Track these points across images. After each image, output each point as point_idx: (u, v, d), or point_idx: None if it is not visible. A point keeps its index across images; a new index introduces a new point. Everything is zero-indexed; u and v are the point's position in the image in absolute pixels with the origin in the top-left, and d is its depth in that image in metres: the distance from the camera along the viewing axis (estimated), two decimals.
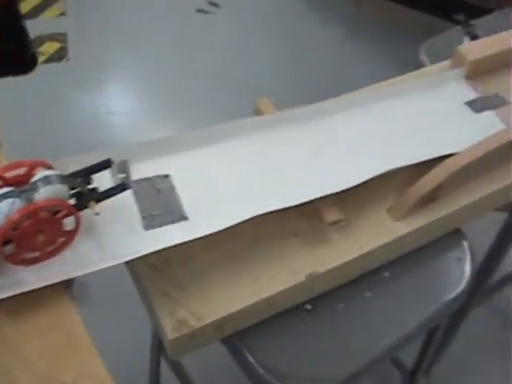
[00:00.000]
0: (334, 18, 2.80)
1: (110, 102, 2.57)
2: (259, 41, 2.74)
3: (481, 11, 2.61)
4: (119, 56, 2.75)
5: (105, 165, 0.81)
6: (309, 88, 2.46)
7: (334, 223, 0.86)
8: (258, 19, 2.84)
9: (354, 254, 0.85)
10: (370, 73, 2.31)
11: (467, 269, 0.97)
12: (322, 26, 2.78)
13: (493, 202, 0.99)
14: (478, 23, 1.40)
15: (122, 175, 0.84)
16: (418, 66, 1.27)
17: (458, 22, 1.43)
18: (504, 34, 1.21)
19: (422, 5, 2.71)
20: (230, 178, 0.89)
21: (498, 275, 1.69)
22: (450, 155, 0.93)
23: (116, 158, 0.85)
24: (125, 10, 2.92)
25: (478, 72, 1.13)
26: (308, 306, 0.87)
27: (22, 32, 1.29)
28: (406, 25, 2.75)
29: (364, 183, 0.89)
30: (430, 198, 0.91)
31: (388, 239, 0.87)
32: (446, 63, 1.15)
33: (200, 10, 2.87)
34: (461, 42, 1.29)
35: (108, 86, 2.66)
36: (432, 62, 1.20)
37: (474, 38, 1.33)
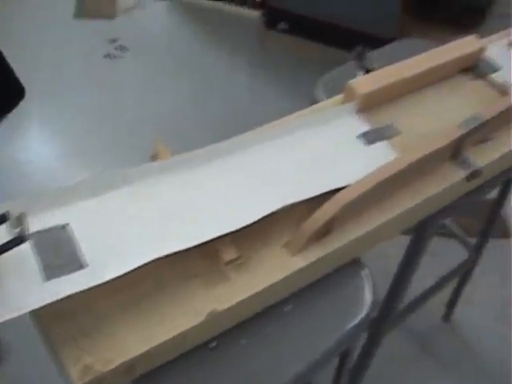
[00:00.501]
0: (239, 53, 2.88)
1: (28, 150, 2.58)
2: (168, 81, 2.78)
3: (383, 41, 2.74)
4: (37, 103, 2.75)
5: (1, 219, 0.83)
6: (214, 125, 2.52)
7: (230, 262, 0.90)
8: (167, 59, 2.88)
9: (252, 291, 0.89)
10: (276, 107, 2.38)
11: (367, 296, 1.02)
12: (227, 62, 2.84)
13: (387, 230, 1.05)
14: (374, 55, 1.47)
15: (19, 228, 0.86)
16: (314, 101, 1.33)
17: (359, 54, 1.50)
18: (396, 65, 1.28)
19: (324, 38, 2.82)
20: (130, 222, 0.92)
21: (408, 298, 1.77)
22: (344, 188, 0.98)
23: (15, 210, 0.87)
24: (41, 59, 2.94)
25: (370, 104, 1.20)
26: (212, 344, 0.91)
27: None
28: (310, 58, 2.84)
29: (260, 219, 0.93)
30: (325, 231, 0.96)
31: (285, 274, 0.91)
32: (339, 97, 1.22)
33: (107, 56, 2.90)
34: (355, 75, 1.36)
35: (27, 134, 2.66)
36: (328, 97, 1.26)
37: (368, 70, 1.40)
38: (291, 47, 2.88)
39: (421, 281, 1.84)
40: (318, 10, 2.78)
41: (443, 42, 1.61)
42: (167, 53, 2.90)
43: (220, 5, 3.00)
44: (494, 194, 1.75)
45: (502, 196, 1.78)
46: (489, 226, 1.88)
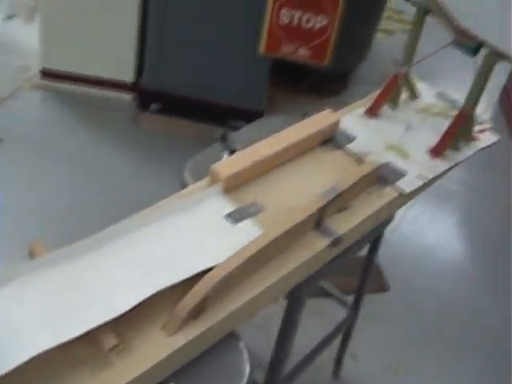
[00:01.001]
0: (115, 138, 2.94)
1: None
2: (46, 172, 2.79)
3: (253, 114, 2.90)
4: None
5: None
6: (95, 213, 2.55)
7: (111, 349, 0.95)
8: (43, 149, 2.90)
9: (135, 374, 0.94)
10: (154, 190, 2.44)
11: (246, 367, 1.09)
12: (104, 147, 2.89)
13: (259, 302, 1.13)
14: (237, 135, 1.59)
15: None
16: (184, 184, 1.42)
17: (223, 135, 1.61)
18: (257, 145, 1.39)
19: (197, 115, 2.94)
20: (16, 314, 0.96)
21: (296, 359, 1.85)
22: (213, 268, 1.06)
23: None
24: None
25: (234, 185, 1.29)
26: None
27: None
28: (185, 136, 2.94)
29: (139, 303, 1.00)
30: (200, 310, 1.04)
31: (165, 354, 0.97)
32: (206, 180, 1.31)
33: None
34: (220, 157, 1.46)
35: None
36: (196, 180, 1.35)
37: (232, 151, 1.50)
38: (166, 127, 2.98)
39: (308, 341, 1.94)
40: (189, 89, 2.90)
41: (307, 112, 1.75)
42: (43, 143, 2.93)
43: (93, 91, 3.08)
44: (365, 251, 1.89)
45: (372, 253, 1.91)
46: (363, 283, 2.00)
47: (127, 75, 3.05)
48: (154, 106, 2.95)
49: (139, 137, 2.95)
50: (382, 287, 2.53)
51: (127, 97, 3.08)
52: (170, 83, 2.91)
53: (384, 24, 3.79)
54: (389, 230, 2.23)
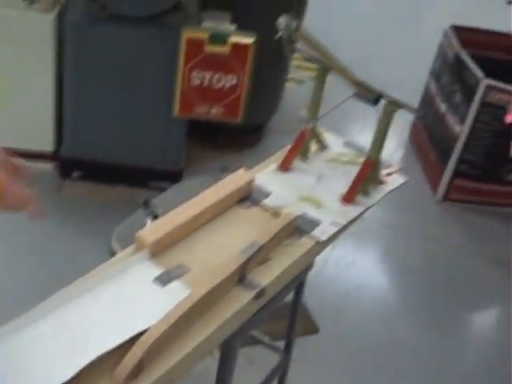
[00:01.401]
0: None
1: None
2: None
3: (173, 173, 3.00)
4: None
5: None
6: (32, 289, 2.55)
7: None
8: None
9: None
10: (82, 259, 2.49)
11: None
12: (32, 225, 2.91)
13: (194, 357, 1.21)
14: (158, 201, 1.68)
15: None
16: (112, 252, 1.50)
17: (145, 202, 1.70)
18: (179, 208, 1.48)
19: (119, 179, 3.01)
20: None
21: None
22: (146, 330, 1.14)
23: None
24: None
25: (160, 249, 1.38)
26: None
27: None
28: (108, 201, 2.99)
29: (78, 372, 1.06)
30: (139, 370, 1.11)
31: None
32: (132, 247, 1.39)
33: None
34: (144, 223, 1.55)
35: None
36: (123, 247, 1.42)
37: (155, 216, 1.59)
38: (89, 194, 3.03)
39: None
40: (109, 154, 2.96)
41: (225, 167, 1.85)
42: None
43: None
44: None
45: (297, 298, 2.01)
46: (292, 327, 2.09)
47: (47, 145, 3.10)
48: (75, 174, 3.01)
49: (63, 206, 2.98)
50: (312, 329, 2.63)
51: (48, 166, 3.12)
52: (90, 150, 2.97)
53: (293, 73, 3.96)
54: (314, 274, 2.34)
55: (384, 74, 4.32)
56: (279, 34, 1.61)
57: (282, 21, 1.60)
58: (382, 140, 1.79)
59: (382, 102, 1.75)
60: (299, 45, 1.74)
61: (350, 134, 3.14)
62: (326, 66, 1.78)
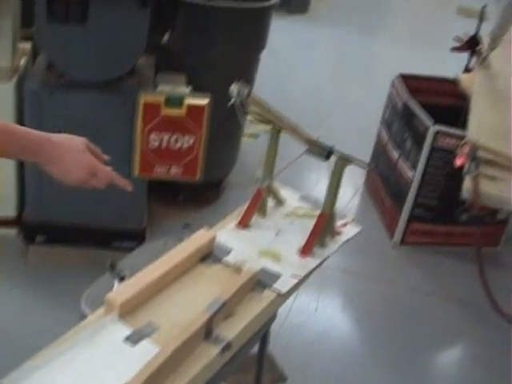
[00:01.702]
0: (2, 275, 3.01)
1: None
2: None
3: (136, 233, 3.07)
4: None
5: None
6: None
7: None
8: None
9: None
10: (52, 322, 2.50)
11: None
12: None
13: None
14: (124, 263, 1.75)
15: None
16: (82, 315, 1.56)
17: (112, 265, 1.77)
18: (145, 270, 1.56)
19: (83, 242, 3.06)
20: None
21: None
22: None
23: None
24: None
25: (129, 309, 1.45)
26: None
27: None
28: (74, 264, 3.02)
29: None
30: None
31: None
32: (102, 310, 1.46)
33: None
34: (112, 285, 1.62)
35: None
36: (93, 310, 1.50)
37: (122, 278, 1.66)
38: (54, 258, 3.06)
39: None
40: (72, 217, 3.02)
41: (186, 224, 1.94)
42: None
43: None
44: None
45: (262, 349, 2.09)
46: (259, 377, 2.16)
47: (9, 210, 3.14)
48: (39, 238, 3.05)
49: (29, 272, 3.01)
50: (280, 378, 2.69)
51: (11, 232, 3.16)
52: (53, 213, 3.03)
53: (249, 128, 4.08)
54: (279, 323, 2.42)
55: (337, 126, 4.49)
56: (232, 101, 1.72)
57: (234, 88, 1.71)
58: (335, 193, 1.90)
59: (333, 157, 1.87)
60: (252, 107, 1.85)
61: (306, 187, 3.26)
62: (278, 127, 1.89)
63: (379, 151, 4.05)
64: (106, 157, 1.67)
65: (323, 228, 1.89)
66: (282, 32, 5.85)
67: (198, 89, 2.88)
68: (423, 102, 3.69)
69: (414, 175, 3.52)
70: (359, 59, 6.23)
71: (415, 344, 3.08)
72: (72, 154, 1.54)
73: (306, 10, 7.12)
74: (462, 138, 3.19)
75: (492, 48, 3.79)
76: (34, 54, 3.19)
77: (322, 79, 5.65)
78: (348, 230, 2.03)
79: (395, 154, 3.78)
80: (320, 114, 4.70)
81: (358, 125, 4.77)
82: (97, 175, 1.59)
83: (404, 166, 3.65)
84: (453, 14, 7.99)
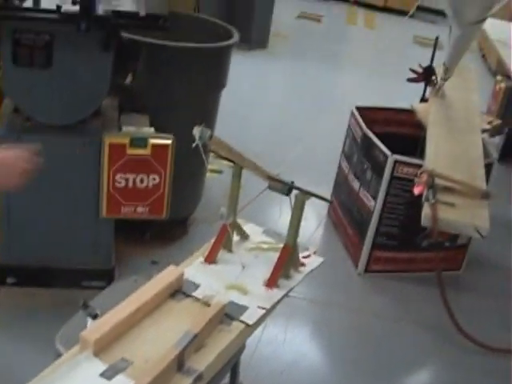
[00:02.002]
0: None
1: None
2: None
3: (105, 272, 3.12)
4: None
5: None
6: None
7: None
8: None
9: None
10: (26, 367, 2.52)
11: None
12: None
13: None
14: (96, 302, 1.82)
15: None
16: (57, 354, 1.62)
17: (84, 304, 1.83)
18: (117, 307, 1.63)
19: (53, 282, 3.11)
20: None
21: None
22: None
23: None
24: None
25: (103, 346, 1.52)
26: None
27: None
28: (46, 305, 3.05)
29: None
30: None
31: None
32: (76, 347, 1.52)
33: None
34: (86, 323, 1.69)
35: None
36: (68, 348, 1.56)
37: (95, 316, 1.73)
38: (25, 300, 3.10)
39: None
40: (41, 258, 3.05)
41: (154, 261, 2.01)
42: None
43: None
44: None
45: (233, 379, 2.17)
46: None
47: None
48: (10, 280, 3.09)
49: (1, 315, 3.03)
50: None
51: None
52: (23, 255, 3.07)
53: (212, 164, 4.17)
54: (249, 354, 2.48)
55: (300, 159, 4.58)
56: (195, 143, 1.81)
57: (196, 131, 1.81)
58: (297, 226, 1.99)
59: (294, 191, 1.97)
60: (214, 147, 1.94)
61: (270, 220, 3.34)
62: (240, 165, 1.99)
63: (341, 182, 4.16)
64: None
65: (287, 260, 1.98)
66: (243, 68, 5.98)
67: (161, 128, 2.97)
68: (382, 132, 3.82)
69: (375, 205, 3.63)
70: (319, 91, 6.35)
71: (386, 371, 3.15)
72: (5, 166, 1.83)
73: (266, 45, 7.25)
74: (420, 166, 3.31)
75: (446, 78, 3.94)
76: (0, 98, 3.26)
77: (284, 113, 5.76)
78: (312, 261, 2.12)
79: (356, 185, 3.89)
80: (283, 148, 4.79)
81: (321, 156, 4.88)
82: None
83: (365, 196, 3.76)
84: (410, 43, 8.23)
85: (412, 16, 7.74)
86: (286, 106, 5.97)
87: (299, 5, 9.42)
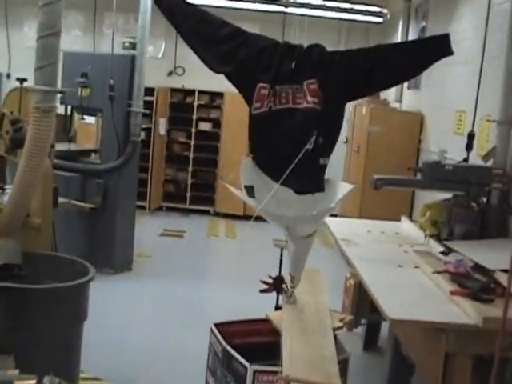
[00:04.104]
0: None
1: None
2: None
3: None
4: None
5: None
6: None
7: None
8: None
9: None
10: None
11: None
12: None
13: None
14: None
15: None
16: None
17: None
18: None
19: None
20: None
21: None
22: None
23: None
24: None
25: None
26: None
27: None
28: None
29: None
30: None
31: None
32: None
33: None
34: None
35: None
36: None
37: None
38: None
39: None
40: None
41: None
42: None
43: None
44: None
45: None
46: None
47: None
48: None
49: None
50: None
51: None
52: None
53: None
54: None
55: (170, 375, 4.80)
56: None
57: (47, 381, 2.04)
58: None
59: None
60: None
61: None
62: None
63: None
64: None
65: None
66: (108, 294, 6.25)
67: (25, 367, 3.16)
68: (242, 343, 4.15)
69: None
70: (184, 307, 6.60)
71: None
72: None
73: (130, 266, 7.55)
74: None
75: (294, 286, 4.37)
76: None
77: (154, 332, 5.96)
78: None
79: None
80: (152, 366, 4.99)
81: (189, 372, 5.08)
82: None
83: None
84: (270, 247, 8.78)
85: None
86: (156, 324, 6.19)
87: (162, 222, 9.98)
